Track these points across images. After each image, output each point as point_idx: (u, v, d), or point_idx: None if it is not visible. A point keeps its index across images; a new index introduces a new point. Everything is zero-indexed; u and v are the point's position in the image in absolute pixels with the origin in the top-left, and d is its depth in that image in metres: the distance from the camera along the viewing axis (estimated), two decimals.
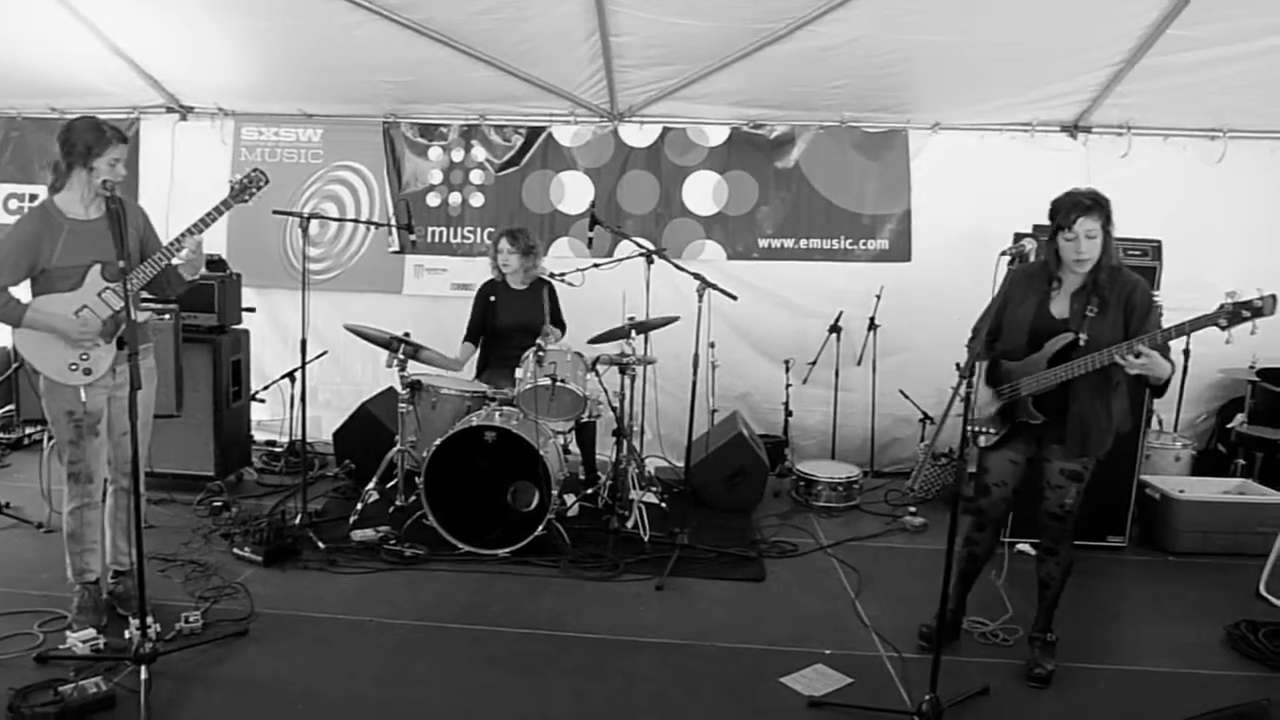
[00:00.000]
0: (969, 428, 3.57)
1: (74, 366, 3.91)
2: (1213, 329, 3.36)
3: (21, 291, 3.90)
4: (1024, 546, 5.24)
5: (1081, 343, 3.70)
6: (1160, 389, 3.65)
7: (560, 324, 6.15)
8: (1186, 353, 6.47)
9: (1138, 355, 3.45)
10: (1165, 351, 3.55)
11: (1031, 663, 3.96)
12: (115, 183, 3.75)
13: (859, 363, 6.98)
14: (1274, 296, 3.23)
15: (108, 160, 3.84)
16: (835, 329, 6.98)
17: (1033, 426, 3.88)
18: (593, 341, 5.85)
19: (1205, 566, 5.34)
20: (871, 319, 6.90)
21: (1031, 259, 3.79)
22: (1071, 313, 3.80)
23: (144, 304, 4.35)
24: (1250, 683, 3.95)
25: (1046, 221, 5.48)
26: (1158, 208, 6.40)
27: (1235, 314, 3.30)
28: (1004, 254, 3.68)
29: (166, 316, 5.60)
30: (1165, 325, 3.53)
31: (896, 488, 6.63)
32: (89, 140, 3.82)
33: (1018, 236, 5.01)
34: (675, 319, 5.71)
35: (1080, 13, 5.45)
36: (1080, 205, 3.70)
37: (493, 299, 6.21)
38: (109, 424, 4.08)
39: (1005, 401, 3.96)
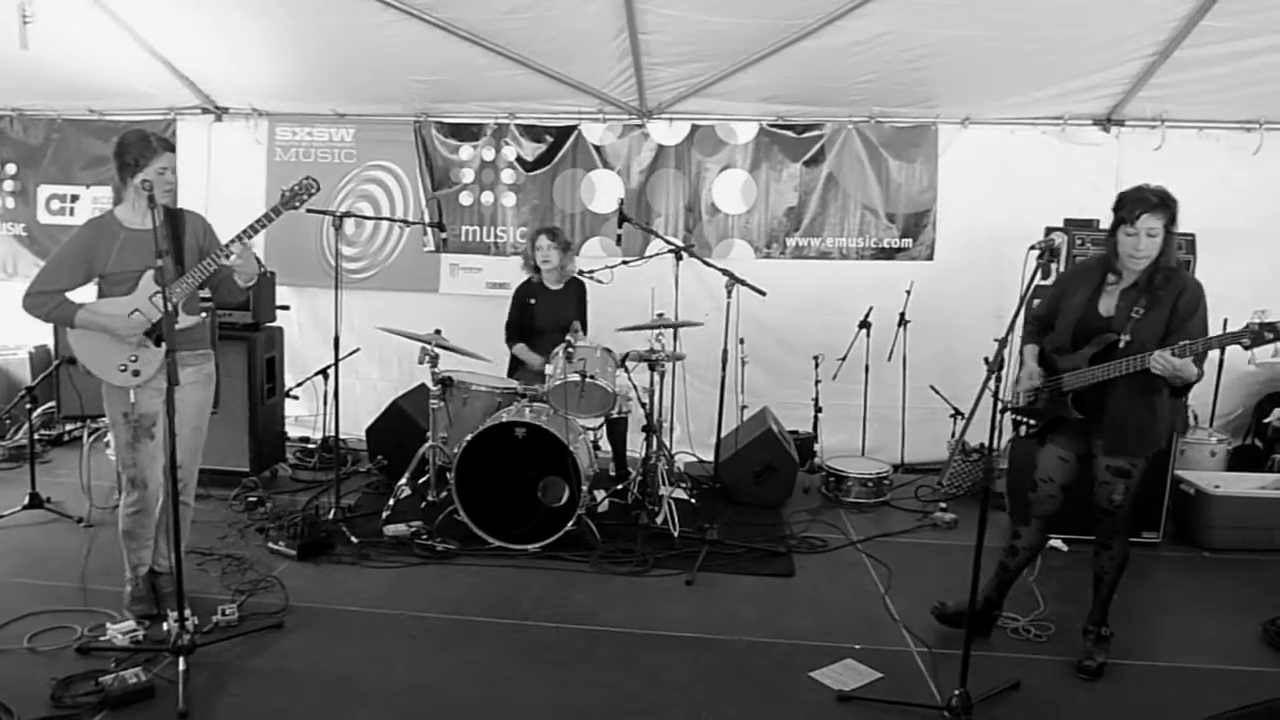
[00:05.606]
0: (999, 400, 3.55)
1: (123, 368, 4.02)
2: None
3: (85, 298, 4.05)
4: (1056, 543, 5.24)
5: (1122, 344, 3.69)
6: (1182, 390, 3.64)
7: (584, 325, 6.16)
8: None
9: (1158, 361, 3.48)
10: (1200, 359, 3.54)
11: (1084, 654, 3.95)
12: (167, 188, 3.92)
13: (889, 358, 6.95)
14: None
15: (155, 169, 3.94)
16: (865, 325, 6.94)
17: (1080, 423, 3.88)
18: (621, 330, 5.88)
19: (1241, 563, 5.29)
20: (901, 314, 6.85)
21: (1062, 253, 3.77)
22: (1117, 310, 3.79)
23: (203, 307, 4.42)
24: None
25: (1078, 216, 5.46)
26: (1192, 201, 6.22)
27: (1259, 335, 3.33)
28: (1033, 248, 3.66)
29: (203, 315, 5.68)
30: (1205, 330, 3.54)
31: (927, 483, 6.61)
32: (136, 153, 3.94)
33: (1048, 231, 4.97)
34: (699, 324, 5.75)
35: (1113, 4, 5.40)
36: (1146, 202, 3.69)
37: (531, 301, 6.23)
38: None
39: (1049, 390, 3.97)
